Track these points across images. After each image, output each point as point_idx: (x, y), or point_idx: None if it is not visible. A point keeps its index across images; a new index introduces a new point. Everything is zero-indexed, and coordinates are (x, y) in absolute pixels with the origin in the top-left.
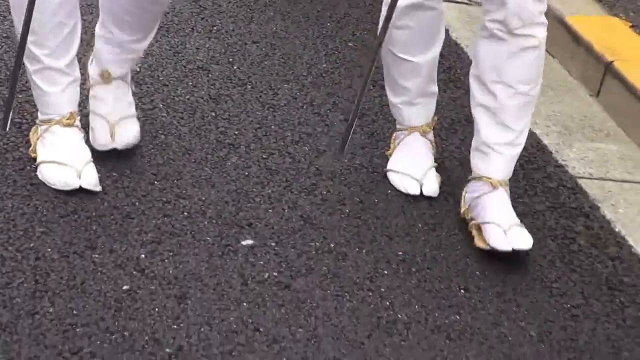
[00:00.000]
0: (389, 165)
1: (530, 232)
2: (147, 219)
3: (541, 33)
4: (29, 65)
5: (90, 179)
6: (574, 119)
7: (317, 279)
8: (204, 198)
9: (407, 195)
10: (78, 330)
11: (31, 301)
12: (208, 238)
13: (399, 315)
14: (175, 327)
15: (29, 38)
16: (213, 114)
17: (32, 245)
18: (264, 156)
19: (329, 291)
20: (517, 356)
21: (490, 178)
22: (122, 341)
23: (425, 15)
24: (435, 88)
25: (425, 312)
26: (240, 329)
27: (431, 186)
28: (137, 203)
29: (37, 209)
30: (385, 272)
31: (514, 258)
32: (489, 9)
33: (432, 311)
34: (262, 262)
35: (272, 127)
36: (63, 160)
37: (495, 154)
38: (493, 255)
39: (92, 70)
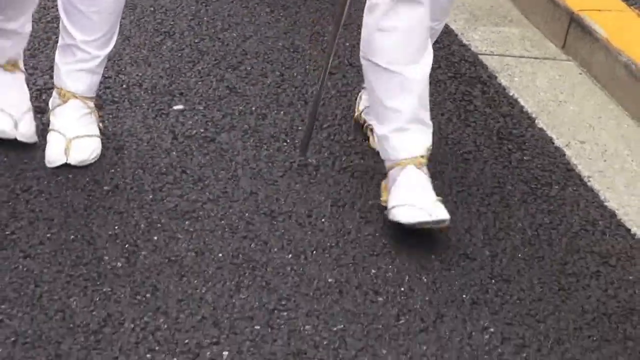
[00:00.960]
0: (391, 203)
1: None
2: None
3: None
4: None
5: (26, 131)
6: (481, 8)
7: (239, 134)
8: (140, 74)
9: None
10: (28, 174)
11: None
12: (143, 104)
13: (310, 160)
14: (112, 170)
15: None
16: (152, 8)
17: None
18: (196, 40)
19: (248, 143)
20: None
21: None
22: (66, 181)
23: (414, 12)
24: (428, 119)
25: (333, 157)
26: (170, 171)
27: (442, 213)
28: None
29: None
30: (300, 128)
31: None
32: None
33: (339, 157)
34: (190, 122)
35: (205, 18)
36: (1, 106)
37: None
38: None
39: None
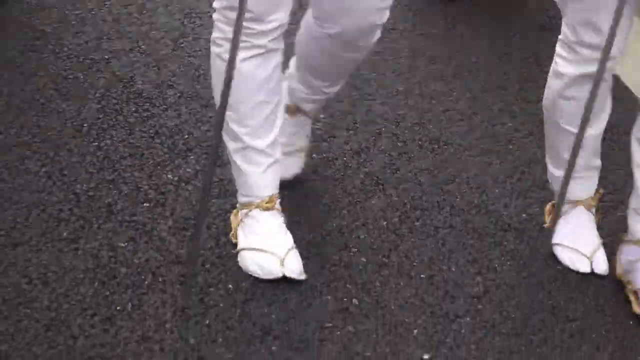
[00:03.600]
0: (555, 239)
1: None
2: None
3: None
4: (229, 143)
5: (293, 266)
6: None
7: None
8: None
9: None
10: None
11: None
12: None
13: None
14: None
15: (231, 115)
16: None
17: None
18: None
19: None
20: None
21: None
22: None
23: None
24: (599, 162)
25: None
26: None
27: (602, 266)
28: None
29: None
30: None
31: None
32: None
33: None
34: None
35: None
36: (264, 247)
37: None
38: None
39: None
